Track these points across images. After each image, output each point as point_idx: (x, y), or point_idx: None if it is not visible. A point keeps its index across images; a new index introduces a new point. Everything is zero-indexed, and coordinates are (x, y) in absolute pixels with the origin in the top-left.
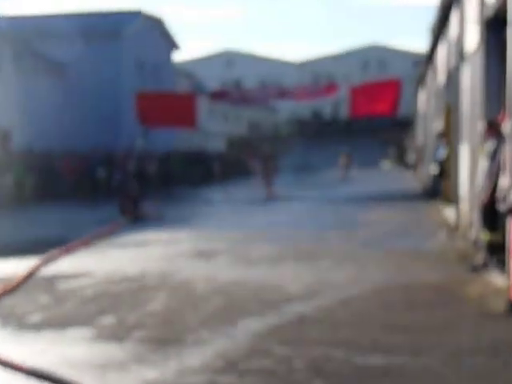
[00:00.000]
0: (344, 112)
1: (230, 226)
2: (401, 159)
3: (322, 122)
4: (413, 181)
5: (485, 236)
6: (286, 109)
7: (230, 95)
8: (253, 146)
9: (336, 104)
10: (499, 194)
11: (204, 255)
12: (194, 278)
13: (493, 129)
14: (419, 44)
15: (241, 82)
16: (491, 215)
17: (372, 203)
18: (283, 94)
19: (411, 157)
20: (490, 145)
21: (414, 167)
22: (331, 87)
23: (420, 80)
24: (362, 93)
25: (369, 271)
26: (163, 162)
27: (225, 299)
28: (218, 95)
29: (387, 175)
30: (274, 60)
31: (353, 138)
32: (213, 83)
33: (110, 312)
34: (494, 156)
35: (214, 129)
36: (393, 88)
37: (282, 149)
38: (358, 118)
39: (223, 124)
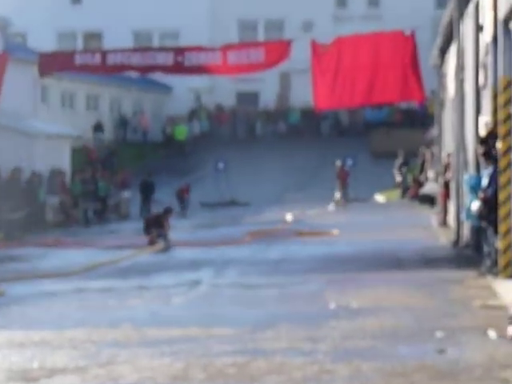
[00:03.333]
0: (304, 98)
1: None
2: (408, 185)
3: (261, 114)
4: (433, 228)
5: None
6: (192, 86)
7: (73, 61)
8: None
9: (285, 82)
10: None
11: None
12: None
13: None
14: None
15: (101, 38)
16: None
17: (356, 272)
18: (192, 60)
19: (430, 181)
20: None
21: (433, 201)
22: (281, 45)
23: (448, 32)
24: (348, 60)
25: None
26: None
27: None
28: (52, 62)
29: (387, 215)
30: None
31: (320, 145)
32: (44, 41)
33: None
34: None
35: (47, 127)
36: (406, 49)
37: (183, 164)
38: (331, 108)
39: (66, 116)
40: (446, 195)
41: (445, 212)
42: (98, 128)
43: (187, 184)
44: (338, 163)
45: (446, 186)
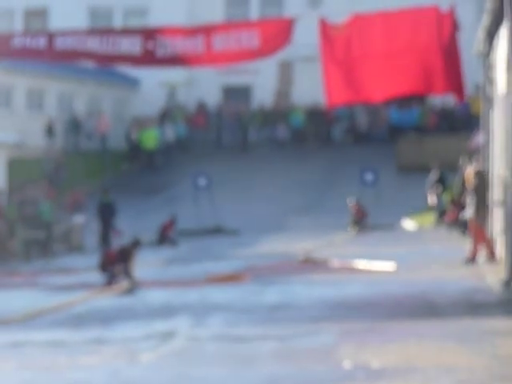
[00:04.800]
0: (310, 94)
1: None
2: (445, 208)
3: (254, 115)
4: (478, 264)
5: None
6: (165, 79)
7: (10, 45)
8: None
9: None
10: None
11: None
12: None
13: None
14: None
15: (47, 15)
16: None
17: (377, 321)
18: (166, 47)
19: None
20: None
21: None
22: (281, 25)
23: (498, 9)
24: (366, 43)
25: None
26: None
27: None
28: None
29: (417, 247)
30: None
31: (331, 156)
32: None
33: None
34: None
35: None
36: (442, 31)
37: (153, 180)
38: (346, 104)
39: (1, 118)
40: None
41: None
42: (50, 132)
43: (172, 218)
44: (351, 201)
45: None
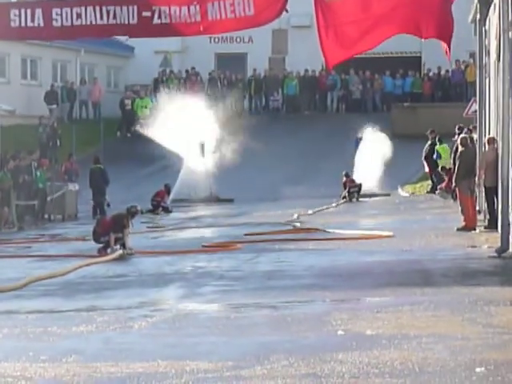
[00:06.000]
0: (305, 62)
1: None
2: (441, 177)
3: (248, 83)
4: (472, 232)
5: None
6: (159, 48)
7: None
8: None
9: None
10: None
11: None
12: None
13: None
14: None
15: None
16: None
17: (370, 289)
18: (162, 16)
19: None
20: None
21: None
22: None
23: None
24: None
25: None
26: None
27: None
28: None
29: (412, 215)
30: None
31: (326, 124)
32: None
33: None
34: None
35: None
36: None
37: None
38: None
39: None
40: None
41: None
42: (52, 98)
43: (166, 187)
44: (344, 176)
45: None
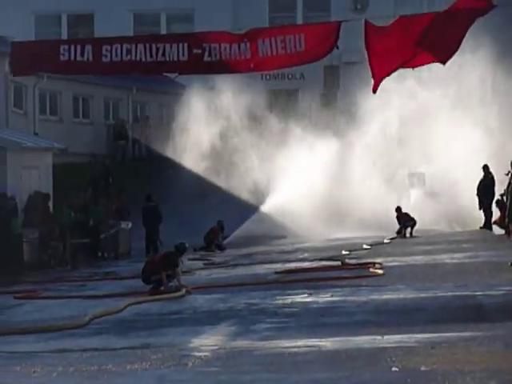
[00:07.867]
0: None
1: None
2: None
3: None
4: None
5: None
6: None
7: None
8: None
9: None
10: None
11: None
12: None
13: None
14: None
15: (92, 20)
16: None
17: (423, 326)
18: (212, 52)
19: None
20: None
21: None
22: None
23: None
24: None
25: None
26: None
27: None
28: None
29: (461, 250)
30: None
31: None
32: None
33: None
34: None
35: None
36: None
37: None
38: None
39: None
40: None
41: None
42: (122, 133)
43: (220, 223)
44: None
45: None
